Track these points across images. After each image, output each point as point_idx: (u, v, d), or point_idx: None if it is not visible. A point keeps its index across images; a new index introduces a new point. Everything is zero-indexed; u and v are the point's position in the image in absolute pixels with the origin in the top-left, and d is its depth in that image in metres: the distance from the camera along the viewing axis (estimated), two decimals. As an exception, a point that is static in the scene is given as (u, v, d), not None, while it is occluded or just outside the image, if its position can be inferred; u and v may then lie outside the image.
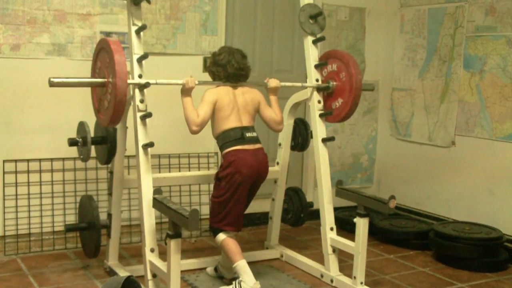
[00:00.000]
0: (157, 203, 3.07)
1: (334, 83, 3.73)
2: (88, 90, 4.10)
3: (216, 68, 3.45)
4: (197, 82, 3.32)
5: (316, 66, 3.77)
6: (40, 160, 4.02)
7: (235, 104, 3.39)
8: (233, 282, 3.32)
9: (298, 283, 3.67)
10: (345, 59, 3.67)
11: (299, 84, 3.79)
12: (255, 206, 4.65)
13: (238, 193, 3.36)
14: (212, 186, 4.57)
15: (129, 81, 3.06)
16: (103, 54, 3.09)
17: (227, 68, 3.40)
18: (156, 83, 3.23)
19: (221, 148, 3.42)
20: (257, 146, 3.42)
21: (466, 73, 4.61)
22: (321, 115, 3.74)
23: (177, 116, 4.42)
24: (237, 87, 3.46)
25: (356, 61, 3.71)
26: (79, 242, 3.94)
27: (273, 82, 3.59)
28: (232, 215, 3.41)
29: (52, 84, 3.00)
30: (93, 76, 3.26)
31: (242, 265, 3.32)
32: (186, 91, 3.31)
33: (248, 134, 3.39)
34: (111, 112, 3.03)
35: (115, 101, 2.96)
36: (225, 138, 3.38)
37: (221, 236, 3.41)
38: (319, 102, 3.74)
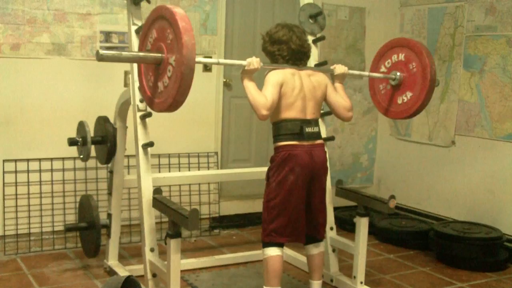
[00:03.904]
0: (157, 203, 3.06)
1: (401, 74, 3.35)
2: (88, 89, 4.12)
3: (278, 46, 3.07)
4: (262, 64, 2.97)
5: (316, 66, 3.76)
6: (40, 159, 4.02)
7: (301, 88, 3.04)
8: None
9: (298, 283, 3.66)
10: (417, 47, 3.28)
11: (366, 74, 3.53)
12: (255, 206, 4.67)
13: (293, 196, 3.00)
14: (212, 185, 4.60)
15: (197, 58, 2.52)
16: (163, 26, 2.50)
17: (290, 44, 3.05)
18: (218, 63, 3.01)
19: (275, 138, 3.08)
20: (316, 142, 3.09)
21: (466, 73, 4.61)
22: (321, 115, 3.73)
23: (176, 116, 4.43)
24: (302, 69, 3.12)
25: (429, 50, 3.31)
26: (79, 242, 3.94)
27: (340, 69, 3.26)
28: (287, 222, 3.01)
29: (100, 58, 2.45)
30: (141, 48, 2.68)
31: None
32: (248, 73, 2.94)
33: (308, 129, 3.03)
34: (170, 100, 2.50)
35: (177, 91, 2.45)
36: (281, 129, 3.03)
37: (268, 251, 3.04)
38: (319, 101, 3.73)
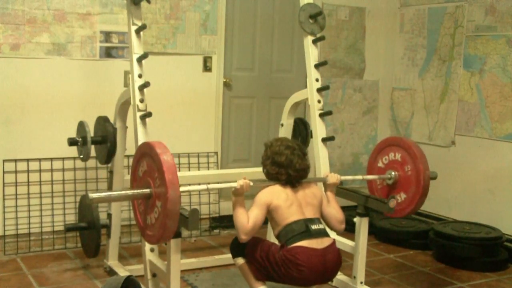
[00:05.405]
0: (157, 203, 3.06)
1: (396, 173, 3.38)
2: (88, 89, 4.12)
3: (277, 169, 3.01)
4: (251, 184, 2.92)
5: (316, 66, 3.76)
6: (40, 159, 4.02)
7: (294, 198, 2.98)
8: None
9: (298, 282, 3.66)
10: (412, 151, 3.30)
11: (360, 177, 3.55)
12: (255, 206, 4.66)
13: (281, 283, 2.94)
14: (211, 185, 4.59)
15: (184, 188, 2.59)
16: (152, 166, 2.57)
17: (289, 170, 2.99)
18: (207, 189, 2.92)
19: (286, 245, 2.92)
20: (326, 242, 2.94)
21: (466, 73, 4.61)
22: (321, 115, 3.73)
23: (176, 116, 4.44)
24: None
25: (424, 154, 3.32)
26: (79, 242, 3.94)
27: (333, 178, 3.22)
28: (263, 276, 2.99)
29: (90, 201, 2.54)
30: (133, 182, 2.76)
31: None
32: (238, 194, 2.90)
33: (314, 227, 2.92)
34: (156, 239, 2.61)
35: (162, 236, 2.54)
36: (288, 234, 2.90)
37: (240, 260, 3.06)
38: (319, 101, 3.74)
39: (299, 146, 3.11)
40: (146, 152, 2.62)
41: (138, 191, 2.60)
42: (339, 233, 3.31)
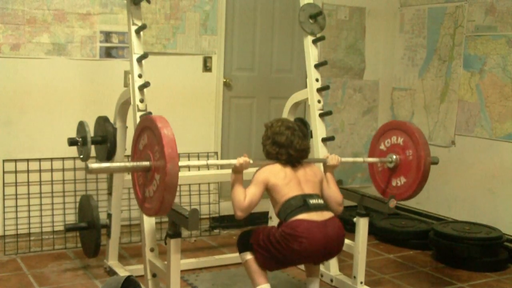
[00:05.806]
0: (157, 203, 3.06)
1: (398, 157, 3.40)
2: (88, 89, 4.12)
3: (277, 149, 3.04)
4: (251, 162, 2.94)
5: (316, 66, 3.77)
6: (40, 159, 4.02)
7: (293, 176, 3.01)
8: None
9: (298, 282, 3.67)
10: (415, 136, 3.33)
11: (361, 159, 3.64)
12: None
13: (287, 263, 3.00)
14: (212, 185, 4.60)
15: (183, 163, 2.59)
16: (152, 139, 2.57)
17: (290, 150, 3.02)
18: (207, 165, 2.95)
19: (285, 220, 2.93)
20: (327, 215, 2.95)
21: (466, 73, 4.61)
22: (321, 115, 3.74)
23: (176, 116, 4.43)
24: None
25: (426, 139, 3.35)
26: (79, 242, 3.94)
27: (333, 159, 3.25)
28: (269, 261, 2.99)
29: (90, 171, 2.55)
30: (133, 155, 2.75)
31: None
32: (238, 172, 2.93)
33: (313, 201, 2.93)
34: (154, 212, 2.62)
35: (160, 208, 2.55)
36: (286, 210, 2.92)
37: (246, 256, 3.05)
38: (319, 101, 3.74)
39: (300, 127, 3.14)
40: (147, 126, 2.63)
41: (138, 163, 2.61)
42: (337, 215, 3.27)
